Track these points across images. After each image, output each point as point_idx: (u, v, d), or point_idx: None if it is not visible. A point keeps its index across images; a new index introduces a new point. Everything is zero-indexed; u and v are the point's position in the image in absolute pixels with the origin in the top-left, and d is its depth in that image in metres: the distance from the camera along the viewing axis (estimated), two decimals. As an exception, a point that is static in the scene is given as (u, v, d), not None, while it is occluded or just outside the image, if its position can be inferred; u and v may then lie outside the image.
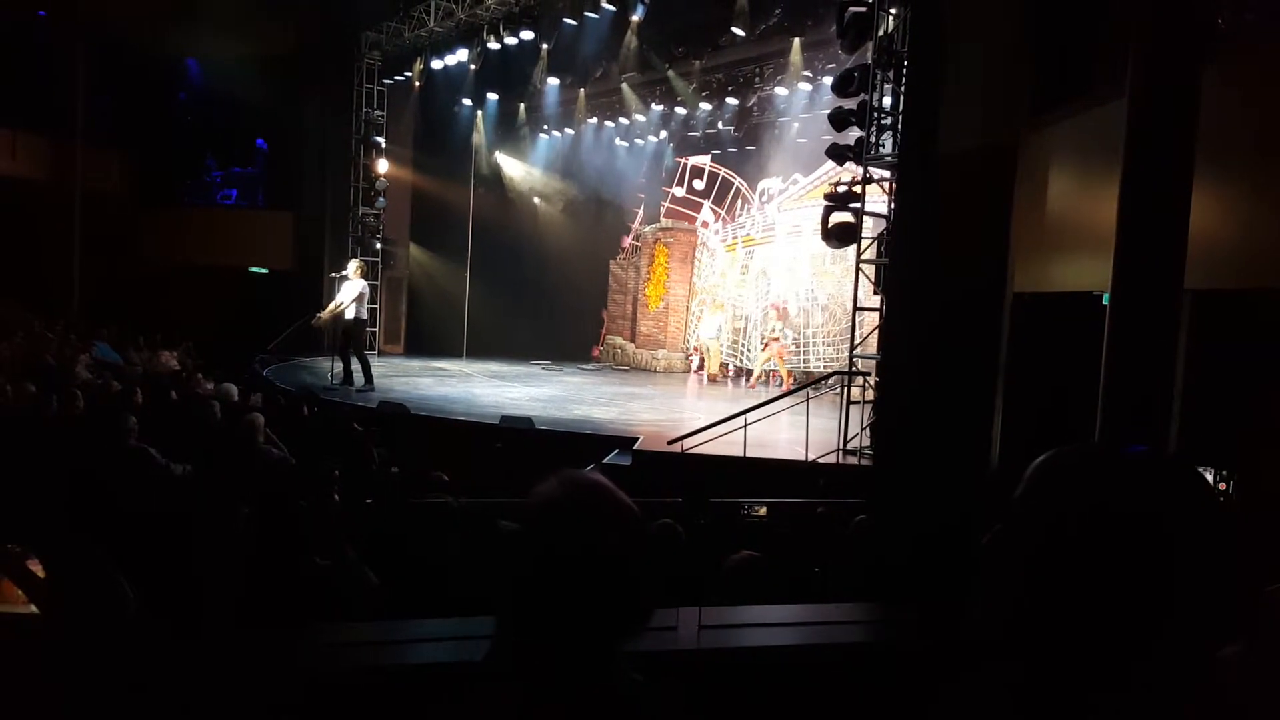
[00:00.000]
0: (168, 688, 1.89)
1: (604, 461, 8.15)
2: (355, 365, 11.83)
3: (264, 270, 17.58)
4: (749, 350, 15.80)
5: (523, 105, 17.89)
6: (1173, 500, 0.94)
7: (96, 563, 2.35)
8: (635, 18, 13.43)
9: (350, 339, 11.89)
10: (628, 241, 18.20)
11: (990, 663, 1.03)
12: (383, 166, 16.74)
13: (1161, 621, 0.92)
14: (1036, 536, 0.97)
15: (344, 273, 11.96)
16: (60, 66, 16.24)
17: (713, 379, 15.86)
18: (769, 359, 14.46)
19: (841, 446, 8.57)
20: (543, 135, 18.66)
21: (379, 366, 13.37)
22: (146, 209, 17.33)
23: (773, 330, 14.47)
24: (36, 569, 2.46)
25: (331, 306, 11.80)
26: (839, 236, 9.21)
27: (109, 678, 1.87)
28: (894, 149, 8.62)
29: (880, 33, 8.59)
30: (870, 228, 9.21)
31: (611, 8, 13.06)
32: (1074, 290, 6.26)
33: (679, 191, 17.58)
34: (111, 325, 13.76)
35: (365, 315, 12.57)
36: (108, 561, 2.36)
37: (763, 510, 6.54)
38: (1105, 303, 5.33)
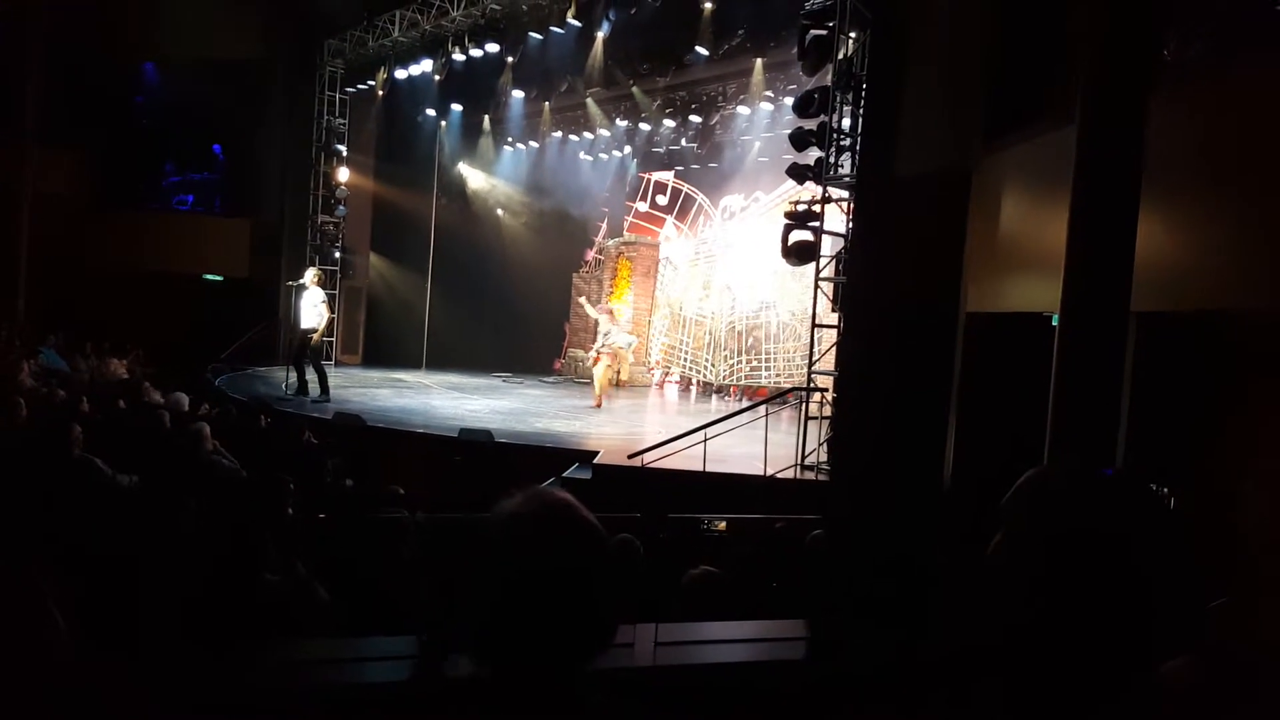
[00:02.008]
0: (107, 712, 1.85)
1: (564, 475, 8.12)
2: (311, 375, 11.67)
3: (219, 278, 17.29)
4: (712, 364, 15.88)
5: (487, 117, 17.86)
6: (1152, 520, 0.99)
7: (25, 585, 2.27)
8: (601, 34, 13.50)
9: (306, 348, 11.73)
10: (590, 254, 18.22)
11: (980, 676, 1.06)
12: (343, 175, 16.58)
13: (1149, 632, 0.97)
14: (1037, 552, 1.00)
15: (301, 281, 11.81)
16: (12, 66, 15.86)
17: (621, 385, 16.00)
18: (611, 367, 13.09)
19: (799, 462, 8.64)
20: (507, 147, 18.64)
21: (335, 377, 13.19)
22: (99, 213, 16.94)
23: (607, 335, 12.98)
24: None
25: (325, 323, 11.72)
26: (798, 254, 9.31)
27: (39, 708, 1.82)
28: (852, 170, 8.75)
29: (840, 56, 8.73)
30: (829, 246, 9.33)
31: (577, 23, 13.12)
32: (1025, 311, 6.39)
33: (642, 206, 17.66)
34: (59, 331, 13.44)
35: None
36: (38, 584, 2.28)
37: (722, 525, 6.57)
38: (1055, 323, 5.46)
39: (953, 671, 1.07)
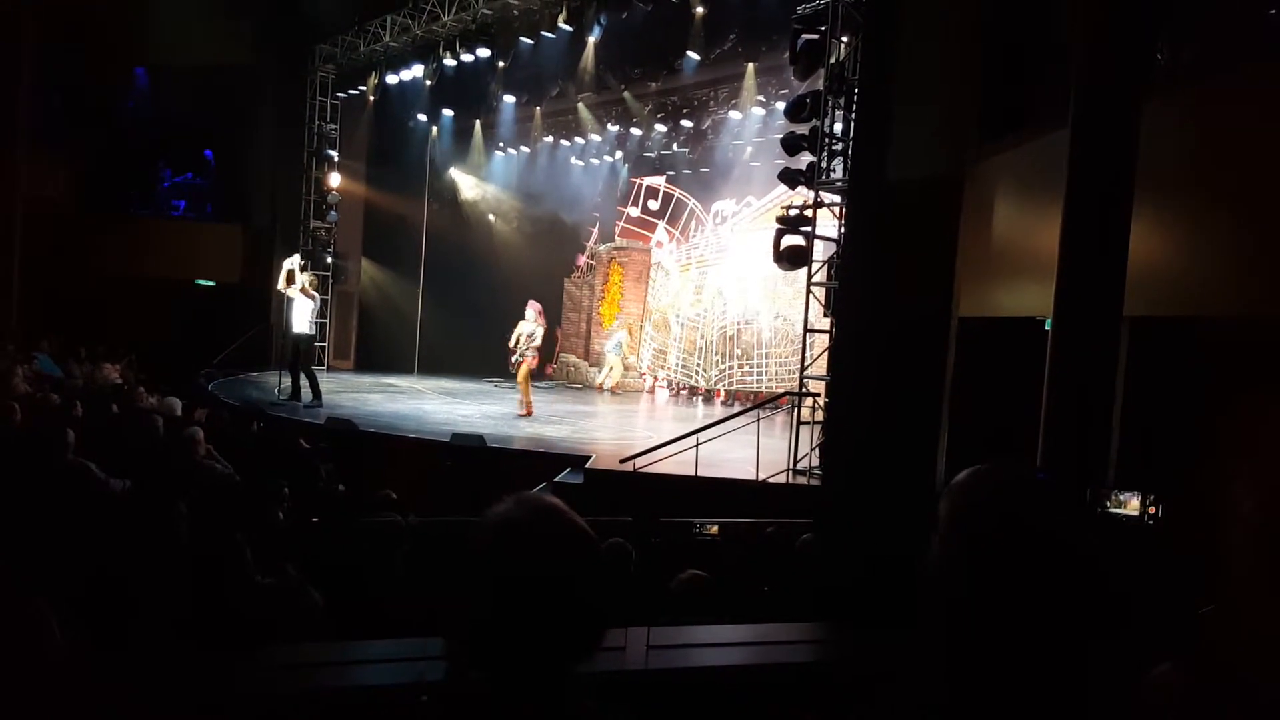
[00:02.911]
0: (102, 716, 1.84)
1: (556, 480, 8.11)
2: (303, 380, 11.66)
3: (211, 283, 17.25)
4: (704, 369, 15.89)
5: (478, 122, 17.87)
6: (1076, 523, 1.00)
7: (20, 591, 2.25)
8: (592, 39, 13.51)
9: (299, 353, 11.72)
10: (582, 260, 18.22)
11: (914, 681, 1.06)
12: (335, 180, 16.56)
13: (1074, 636, 0.96)
14: (962, 553, 1.00)
15: (290, 267, 11.82)
16: (3, 71, 15.79)
17: (614, 390, 16.05)
18: (527, 371, 11.93)
19: (791, 466, 8.64)
20: (498, 152, 18.65)
21: (328, 382, 13.17)
22: (91, 218, 16.89)
23: (531, 336, 11.81)
24: None
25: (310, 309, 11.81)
26: (790, 259, 9.32)
27: (36, 711, 1.81)
28: (844, 174, 8.77)
29: (832, 60, 8.75)
30: (821, 251, 9.34)
31: (568, 28, 13.13)
32: (1017, 315, 6.41)
33: (634, 211, 17.67)
34: (53, 337, 13.38)
35: (315, 330, 12.44)
36: (33, 590, 2.27)
37: (714, 529, 6.56)
38: (1047, 328, 5.47)
39: (941, 673, 1.07)
